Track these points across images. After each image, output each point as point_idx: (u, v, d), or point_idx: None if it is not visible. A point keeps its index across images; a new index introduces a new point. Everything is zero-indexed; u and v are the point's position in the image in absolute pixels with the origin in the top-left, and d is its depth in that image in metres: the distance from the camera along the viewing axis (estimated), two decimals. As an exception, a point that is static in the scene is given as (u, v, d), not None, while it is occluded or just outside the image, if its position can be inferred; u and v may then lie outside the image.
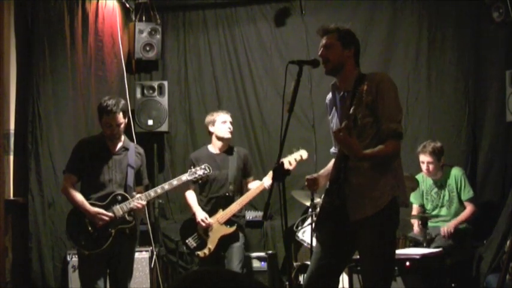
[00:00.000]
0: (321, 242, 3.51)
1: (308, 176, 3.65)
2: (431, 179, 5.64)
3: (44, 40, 5.33)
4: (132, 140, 6.10)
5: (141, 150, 4.77)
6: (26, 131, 5.20)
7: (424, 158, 5.48)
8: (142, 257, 5.74)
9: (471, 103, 6.07)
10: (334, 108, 3.58)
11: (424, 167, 5.53)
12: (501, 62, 5.83)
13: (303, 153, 5.15)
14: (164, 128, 6.46)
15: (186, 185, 5.45)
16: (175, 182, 4.74)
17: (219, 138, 5.33)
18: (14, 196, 5.11)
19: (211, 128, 5.35)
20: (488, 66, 5.97)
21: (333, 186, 3.43)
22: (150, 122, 6.41)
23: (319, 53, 3.50)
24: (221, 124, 5.29)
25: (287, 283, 5.66)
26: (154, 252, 5.89)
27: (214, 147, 5.38)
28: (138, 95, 6.47)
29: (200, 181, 5.14)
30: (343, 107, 3.47)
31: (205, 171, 4.85)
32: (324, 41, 3.49)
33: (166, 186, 4.67)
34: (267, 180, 5.13)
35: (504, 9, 5.44)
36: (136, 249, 5.82)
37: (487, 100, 5.98)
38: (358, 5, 6.45)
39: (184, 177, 4.78)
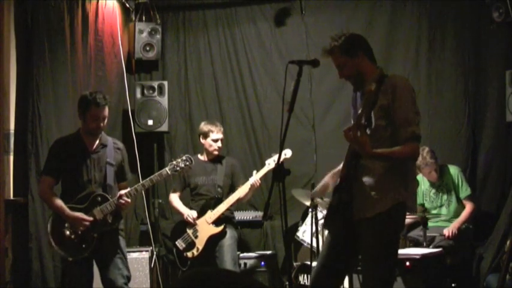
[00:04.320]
0: (328, 238, 3.51)
1: (314, 192, 3.68)
2: (428, 180, 5.64)
3: (44, 40, 5.32)
4: (132, 140, 6.11)
5: (121, 145, 4.64)
6: (26, 131, 5.19)
7: (431, 168, 5.47)
8: (142, 257, 5.75)
9: (471, 103, 6.07)
10: (353, 108, 3.59)
11: (432, 175, 5.53)
12: (501, 62, 5.83)
13: (287, 152, 5.24)
14: (164, 128, 6.46)
15: (172, 187, 5.67)
16: (155, 177, 4.63)
17: (207, 152, 5.53)
18: (14, 196, 5.10)
19: (202, 140, 5.56)
20: (488, 66, 5.97)
21: (342, 183, 3.43)
22: (150, 122, 6.41)
23: (339, 76, 3.50)
24: (212, 141, 5.48)
25: (287, 283, 5.67)
26: (154, 252, 5.90)
27: (204, 155, 5.59)
28: (138, 95, 6.46)
29: (183, 174, 5.30)
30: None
31: (187, 163, 4.76)
32: (334, 61, 3.48)
33: (147, 182, 4.57)
34: (252, 179, 5.32)
35: (504, 9, 5.43)
36: (136, 249, 5.86)
37: (487, 100, 5.98)
38: (358, 5, 6.44)
39: (165, 171, 4.68)
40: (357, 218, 3.33)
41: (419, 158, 5.39)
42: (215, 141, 5.47)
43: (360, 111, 3.25)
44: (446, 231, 5.36)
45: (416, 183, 5.23)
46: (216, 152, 5.51)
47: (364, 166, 3.33)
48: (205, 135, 5.50)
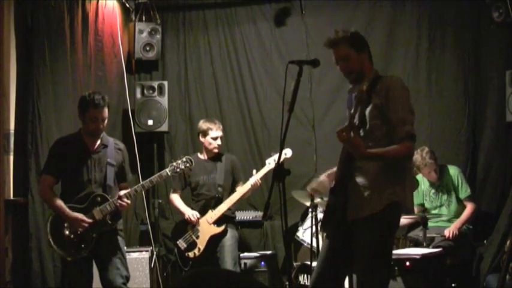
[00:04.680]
0: (327, 240, 3.51)
1: (309, 188, 3.68)
2: (428, 180, 5.64)
3: (44, 40, 5.32)
4: (132, 140, 6.11)
5: (122, 146, 4.65)
6: (26, 131, 5.19)
7: (430, 168, 5.47)
8: (142, 257, 5.75)
9: (471, 103, 6.07)
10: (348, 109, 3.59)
11: (431, 176, 5.53)
12: (501, 62, 5.83)
13: (288, 152, 5.23)
14: (164, 128, 6.46)
15: (173, 187, 5.67)
16: (155, 178, 4.63)
17: (207, 150, 5.52)
18: (14, 196, 5.09)
19: (201, 138, 5.56)
20: (488, 66, 5.97)
21: (337, 185, 3.43)
22: (150, 122, 6.41)
23: (339, 68, 3.46)
24: (211, 139, 5.47)
25: (287, 283, 5.67)
26: (154, 252, 5.90)
27: (203, 154, 5.59)
28: (138, 95, 6.46)
29: (183, 174, 5.29)
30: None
31: (187, 164, 4.78)
32: (336, 54, 3.44)
33: (147, 183, 4.57)
34: (253, 179, 5.32)
35: (504, 9, 5.43)
36: (136, 249, 5.86)
37: (487, 100, 5.98)
38: (358, 5, 6.44)
39: (165, 172, 4.69)
40: (352, 219, 3.33)
41: (419, 158, 5.40)
42: (214, 139, 5.47)
43: (352, 111, 3.26)
44: (447, 232, 5.35)
45: (415, 183, 5.23)
46: (216, 150, 5.51)
47: (358, 167, 3.33)
48: (204, 133, 5.49)
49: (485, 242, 5.46)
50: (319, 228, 4.92)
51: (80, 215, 4.30)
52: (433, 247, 5.14)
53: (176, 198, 5.56)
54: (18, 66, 5.18)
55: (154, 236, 6.06)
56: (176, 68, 6.82)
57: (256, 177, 5.33)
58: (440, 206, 5.61)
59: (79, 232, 4.30)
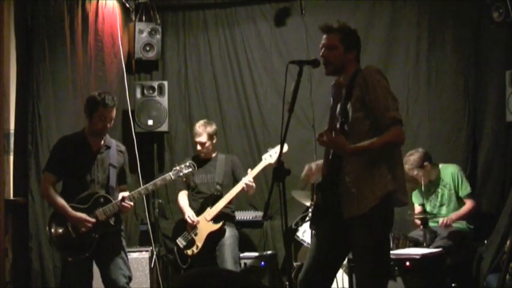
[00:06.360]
0: (317, 238, 3.50)
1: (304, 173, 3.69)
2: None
3: (44, 40, 5.32)
4: (132, 140, 6.11)
5: (123, 148, 4.67)
6: (26, 131, 5.19)
7: (412, 173, 5.47)
8: (142, 257, 5.75)
9: (471, 103, 6.07)
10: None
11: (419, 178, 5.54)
12: (501, 62, 5.82)
13: (284, 147, 5.20)
14: (164, 128, 6.47)
15: (178, 188, 5.73)
16: (159, 181, 4.68)
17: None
18: (14, 196, 5.09)
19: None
20: (488, 66, 5.97)
21: (325, 181, 3.42)
22: (150, 122, 6.41)
23: (321, 53, 3.47)
24: (196, 143, 5.59)
25: (287, 283, 5.67)
26: (154, 252, 5.89)
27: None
28: (138, 95, 6.47)
29: (185, 178, 5.31)
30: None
31: (191, 169, 4.82)
32: (326, 40, 3.46)
33: (150, 186, 4.60)
34: (246, 179, 5.34)
35: (504, 9, 5.43)
36: (136, 249, 5.86)
37: (487, 100, 5.98)
38: (358, 5, 6.44)
39: (169, 176, 4.73)
40: (348, 216, 3.32)
41: (406, 163, 5.33)
42: (196, 143, 5.59)
43: (332, 106, 3.25)
44: (441, 220, 5.36)
45: (404, 171, 5.18)
46: (202, 154, 5.60)
47: (345, 164, 3.32)
48: (193, 136, 5.63)
49: (485, 242, 5.46)
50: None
51: (84, 215, 4.29)
52: (434, 247, 5.14)
53: (182, 198, 5.61)
54: (18, 66, 5.17)
55: (154, 236, 6.06)
56: (176, 68, 6.82)
57: (251, 174, 5.35)
58: (441, 205, 5.61)
59: (81, 232, 4.30)
